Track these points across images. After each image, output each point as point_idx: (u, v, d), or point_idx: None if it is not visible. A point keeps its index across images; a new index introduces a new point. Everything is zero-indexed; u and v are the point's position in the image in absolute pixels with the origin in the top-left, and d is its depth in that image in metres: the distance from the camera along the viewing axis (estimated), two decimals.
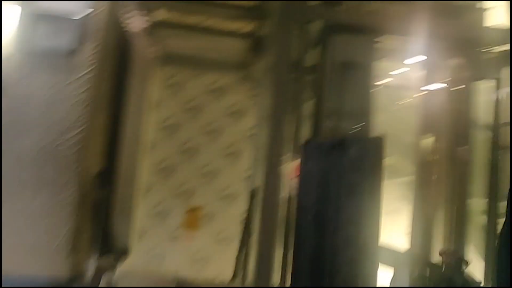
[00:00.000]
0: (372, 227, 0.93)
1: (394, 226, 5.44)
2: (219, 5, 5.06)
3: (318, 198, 1.11)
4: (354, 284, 0.95)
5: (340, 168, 1.03)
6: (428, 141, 4.09)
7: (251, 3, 4.74)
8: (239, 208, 5.52)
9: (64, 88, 2.91)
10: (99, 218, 3.21)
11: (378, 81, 4.46)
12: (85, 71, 2.93)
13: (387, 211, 5.51)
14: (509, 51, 0.92)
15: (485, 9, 3.55)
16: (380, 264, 0.88)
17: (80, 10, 2.93)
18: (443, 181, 3.74)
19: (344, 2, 3.72)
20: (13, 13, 2.76)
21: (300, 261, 1.14)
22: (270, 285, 1.52)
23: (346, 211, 1.01)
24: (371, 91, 3.51)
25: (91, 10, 2.96)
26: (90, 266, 3.08)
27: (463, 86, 3.65)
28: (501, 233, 1.06)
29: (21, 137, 2.87)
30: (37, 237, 2.83)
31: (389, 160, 5.35)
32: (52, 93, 2.90)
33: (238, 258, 3.74)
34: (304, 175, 1.19)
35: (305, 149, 1.20)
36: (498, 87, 3.64)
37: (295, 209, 1.18)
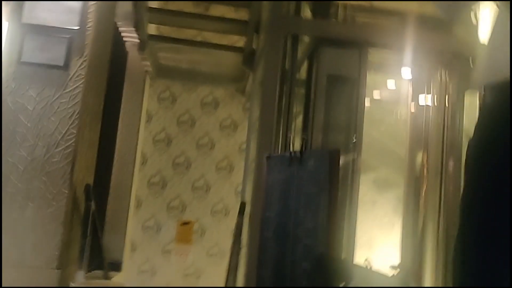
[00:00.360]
0: (331, 239, 0.94)
1: (388, 239, 5.46)
2: (211, 19, 5.11)
3: (279, 211, 1.12)
4: None
5: (298, 181, 1.05)
6: (419, 154, 4.12)
7: (243, 16, 4.79)
8: (232, 222, 5.52)
9: (54, 101, 2.92)
10: (89, 231, 3.20)
11: (369, 94, 4.50)
12: (76, 85, 2.94)
13: (380, 224, 5.54)
14: (509, 54, 0.94)
15: (474, 23, 3.59)
16: (348, 280, 0.88)
17: (71, 24, 2.95)
18: (433, 194, 3.76)
19: (333, 16, 3.77)
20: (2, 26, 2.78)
21: (263, 273, 1.15)
22: None
23: (303, 223, 1.02)
24: (361, 104, 3.54)
25: (81, 23, 2.97)
26: (80, 280, 3.06)
27: (452, 99, 3.69)
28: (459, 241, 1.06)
29: (11, 150, 2.87)
30: (25, 251, 2.82)
31: (381, 174, 5.39)
32: (42, 106, 2.91)
33: (228, 272, 3.73)
34: (267, 188, 1.21)
35: (267, 163, 1.22)
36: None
37: (259, 222, 1.20)
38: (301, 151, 1.09)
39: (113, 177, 4.91)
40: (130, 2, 4.15)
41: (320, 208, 1.04)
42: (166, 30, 5.82)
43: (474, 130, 1.08)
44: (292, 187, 1.13)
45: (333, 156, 1.06)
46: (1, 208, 2.81)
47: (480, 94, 1.12)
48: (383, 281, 0.91)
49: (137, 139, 5.34)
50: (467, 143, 1.11)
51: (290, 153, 1.13)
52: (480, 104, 1.11)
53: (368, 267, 0.95)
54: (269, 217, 1.19)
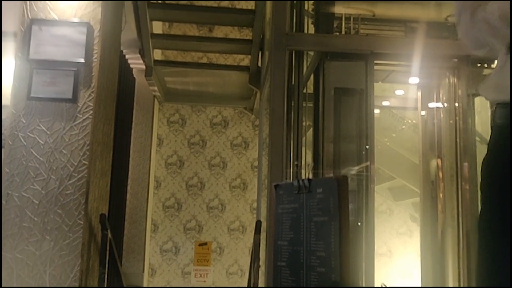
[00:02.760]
0: (344, 266, 0.93)
1: (407, 248, 5.40)
2: (215, 40, 5.15)
3: (290, 239, 1.11)
4: None
5: (308, 209, 1.04)
6: (433, 160, 4.08)
7: (247, 35, 4.82)
8: (249, 239, 5.51)
9: (65, 134, 2.95)
10: (108, 260, 3.20)
11: (378, 103, 4.49)
12: (85, 117, 2.97)
13: (399, 233, 5.49)
14: (509, 52, 0.94)
15: None
16: None
17: (77, 56, 2.99)
18: (450, 199, 3.72)
19: (337, 29, 3.78)
20: (8, 62, 2.82)
21: None
22: None
23: (315, 252, 1.01)
24: (371, 114, 3.53)
25: (87, 55, 3.01)
26: None
27: (462, 102, 3.66)
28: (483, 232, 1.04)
29: (25, 185, 2.90)
30: (44, 283, 2.83)
31: (396, 182, 5.35)
32: (53, 140, 2.94)
33: None
34: (276, 217, 1.20)
35: (276, 191, 1.21)
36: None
37: (271, 251, 1.20)
38: (309, 179, 1.09)
39: (128, 203, 4.94)
40: (135, 28, 4.20)
41: (332, 236, 1.03)
42: (172, 55, 5.88)
43: (487, 149, 1.07)
44: (302, 215, 1.12)
45: (342, 184, 1.05)
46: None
47: (492, 111, 1.11)
48: None
49: (150, 164, 5.37)
50: (481, 147, 1.10)
51: (298, 181, 1.13)
52: (491, 122, 1.10)
53: None
54: (281, 245, 1.19)
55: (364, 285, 2.84)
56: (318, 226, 1.06)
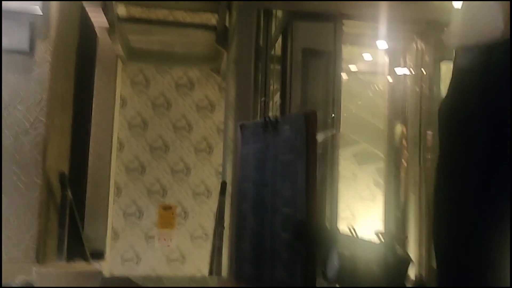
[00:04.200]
0: (310, 206, 0.90)
1: (370, 212, 5.48)
2: None
3: (255, 181, 1.08)
4: (292, 265, 0.93)
5: (274, 148, 1.00)
6: (397, 126, 4.11)
7: None
8: (214, 203, 5.48)
9: (20, 87, 2.81)
10: (68, 221, 3.13)
11: (345, 67, 4.46)
12: (42, 69, 2.83)
13: (362, 198, 5.56)
14: (509, 45, 0.93)
15: None
16: (332, 247, 0.85)
17: (33, 8, 2.83)
18: (413, 165, 3.76)
19: None
20: None
21: (243, 247, 1.11)
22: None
23: (281, 192, 0.98)
24: (338, 78, 3.50)
25: (45, 6, 2.85)
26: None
27: (429, 69, 3.67)
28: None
29: None
30: (1, 245, 2.74)
31: (361, 147, 5.39)
32: (7, 92, 2.80)
33: (212, 253, 3.70)
34: (241, 158, 1.16)
35: (241, 132, 1.16)
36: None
37: (234, 194, 1.16)
38: (276, 116, 1.04)
39: (90, 164, 4.82)
40: None
41: (298, 174, 0.99)
42: (136, 12, 5.67)
43: (447, 93, 1.06)
44: (268, 155, 1.08)
45: (310, 119, 1.01)
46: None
47: (454, 56, 1.10)
48: (369, 247, 0.88)
49: (113, 125, 5.24)
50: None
51: (265, 119, 1.08)
52: (453, 66, 1.09)
53: (354, 235, 0.92)
54: (245, 188, 1.14)
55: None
56: (284, 165, 1.02)
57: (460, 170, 0.98)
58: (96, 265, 4.23)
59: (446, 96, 1.07)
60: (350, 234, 0.92)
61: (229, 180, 4.02)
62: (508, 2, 0.90)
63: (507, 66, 0.89)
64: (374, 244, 0.84)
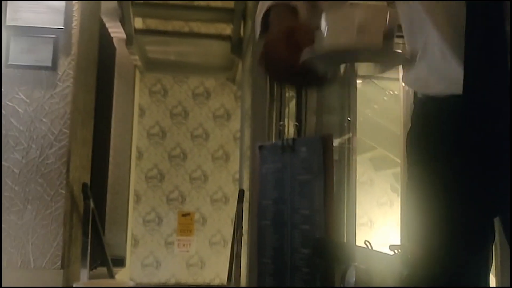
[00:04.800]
0: (329, 223, 0.95)
1: (387, 218, 5.49)
2: (197, 9, 5.07)
3: (274, 199, 1.13)
4: (312, 279, 0.98)
5: (292, 168, 1.06)
6: None
7: (229, 4, 4.76)
8: (232, 209, 5.55)
9: (45, 102, 2.91)
10: (90, 229, 3.21)
11: (359, 73, 4.49)
12: (65, 85, 2.93)
13: (379, 203, 5.58)
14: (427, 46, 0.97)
15: None
16: (351, 262, 0.90)
17: (56, 23, 2.93)
18: None
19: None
20: None
21: (264, 261, 1.16)
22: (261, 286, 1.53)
23: (299, 210, 1.03)
24: (353, 84, 3.54)
25: (66, 22, 2.95)
26: (84, 278, 3.08)
27: None
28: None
29: (5, 154, 2.87)
30: (28, 253, 2.83)
31: (378, 152, 5.41)
32: (33, 108, 2.90)
33: (231, 260, 3.75)
34: (261, 177, 1.21)
35: (260, 152, 1.22)
36: None
37: (255, 211, 1.21)
38: (293, 139, 1.09)
39: (110, 173, 4.92)
40: None
41: (316, 194, 1.05)
42: (153, 23, 5.78)
43: (410, 122, 1.12)
44: (286, 174, 1.13)
45: (326, 142, 1.06)
46: (1, 210, 2.81)
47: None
48: (385, 260, 0.92)
49: (132, 134, 5.34)
50: None
51: (283, 141, 1.13)
52: (414, 97, 1.15)
53: (369, 248, 0.96)
54: (265, 205, 1.20)
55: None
56: (302, 185, 1.08)
57: (420, 193, 1.04)
58: (117, 272, 4.31)
59: (410, 124, 1.14)
60: (366, 248, 0.97)
61: (245, 187, 4.08)
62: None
63: (460, 117, 0.94)
64: (389, 256, 0.89)
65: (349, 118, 3.51)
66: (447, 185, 0.95)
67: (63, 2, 2.93)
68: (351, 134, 3.52)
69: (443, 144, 0.98)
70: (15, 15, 2.90)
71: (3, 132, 2.87)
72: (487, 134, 0.91)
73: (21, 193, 2.85)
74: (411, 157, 1.08)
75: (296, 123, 2.87)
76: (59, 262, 2.86)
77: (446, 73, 0.97)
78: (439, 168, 0.97)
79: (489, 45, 0.88)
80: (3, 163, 2.86)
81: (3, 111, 2.88)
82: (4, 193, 2.84)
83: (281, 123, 3.38)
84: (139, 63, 5.32)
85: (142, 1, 4.80)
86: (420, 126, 1.07)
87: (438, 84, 1.00)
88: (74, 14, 2.97)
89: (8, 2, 2.88)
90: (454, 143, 0.96)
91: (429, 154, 1.00)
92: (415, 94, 1.12)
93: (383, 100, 5.20)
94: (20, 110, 2.88)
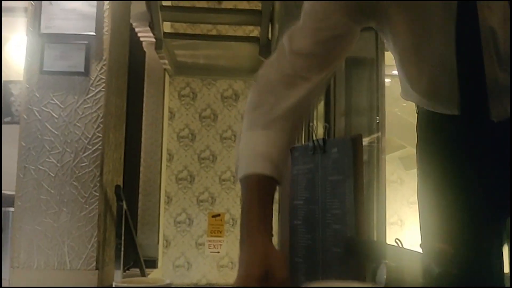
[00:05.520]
0: (359, 222, 0.97)
1: (417, 217, 5.43)
2: (225, 12, 5.11)
3: (306, 199, 1.15)
4: (344, 278, 1.00)
5: (323, 169, 1.08)
6: None
7: (256, 6, 4.79)
8: None
9: (79, 107, 2.99)
10: (123, 231, 3.27)
11: (389, 73, 4.46)
12: (97, 90, 3.00)
13: (409, 203, 5.51)
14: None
15: None
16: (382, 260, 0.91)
17: (87, 29, 3.00)
18: None
19: None
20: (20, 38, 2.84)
21: (296, 260, 1.18)
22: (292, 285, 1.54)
23: (331, 210, 1.05)
24: (381, 84, 3.52)
25: (98, 28, 3.02)
26: (118, 279, 3.15)
27: None
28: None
29: (41, 158, 2.95)
30: (64, 255, 2.91)
31: (407, 151, 5.35)
32: (67, 113, 2.98)
33: None
34: (292, 178, 1.24)
35: (292, 153, 1.24)
36: None
37: (287, 211, 1.23)
38: (323, 140, 1.11)
39: (141, 175, 5.00)
40: (144, 2, 4.19)
41: (347, 194, 1.06)
42: (181, 27, 5.86)
43: (416, 133, 1.13)
44: (317, 175, 1.15)
45: (356, 142, 1.08)
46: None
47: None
48: (416, 257, 0.93)
49: (162, 137, 5.41)
50: None
51: (313, 142, 1.15)
52: (416, 108, 1.16)
53: (400, 246, 0.97)
54: (297, 205, 1.22)
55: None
56: (334, 185, 1.09)
57: (429, 200, 1.05)
58: (149, 273, 4.38)
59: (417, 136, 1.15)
60: (396, 246, 0.98)
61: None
62: None
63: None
64: (419, 254, 0.90)
65: (377, 118, 3.49)
66: (463, 187, 0.96)
67: (94, 9, 3.00)
68: (380, 134, 3.50)
69: (450, 151, 0.99)
70: (48, 23, 2.99)
71: (39, 136, 2.96)
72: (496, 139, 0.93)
73: (56, 196, 2.93)
74: (420, 167, 1.09)
75: (326, 124, 2.88)
76: (94, 263, 2.92)
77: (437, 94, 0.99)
78: (453, 169, 0.98)
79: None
80: (39, 167, 2.94)
81: (38, 116, 2.97)
82: (40, 196, 2.93)
83: (311, 124, 3.39)
84: (168, 66, 5.39)
85: (170, 6, 4.87)
86: (425, 136, 1.08)
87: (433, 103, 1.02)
88: (105, 20, 3.04)
89: (43, 10, 2.97)
90: (460, 149, 0.97)
91: (440, 160, 1.01)
92: (416, 105, 1.13)
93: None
94: (54, 115, 2.97)
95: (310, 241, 1.14)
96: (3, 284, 3.19)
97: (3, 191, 4.92)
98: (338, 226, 1.06)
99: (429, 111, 1.06)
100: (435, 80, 0.98)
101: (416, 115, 1.16)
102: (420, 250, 0.90)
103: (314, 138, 1.14)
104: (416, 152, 1.11)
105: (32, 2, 3.04)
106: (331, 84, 3.52)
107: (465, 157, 0.96)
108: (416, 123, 1.11)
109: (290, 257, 1.23)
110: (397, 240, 0.97)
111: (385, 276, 0.84)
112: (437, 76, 0.97)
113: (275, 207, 3.29)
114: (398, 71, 1.11)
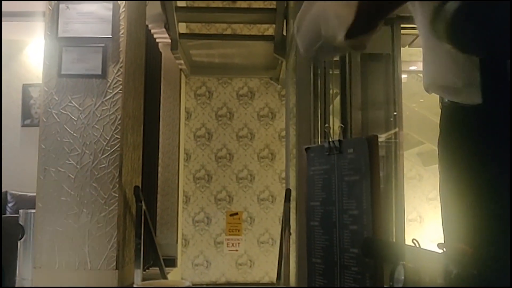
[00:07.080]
0: (377, 223, 0.96)
1: (437, 214, 5.39)
2: (239, 11, 5.12)
3: (323, 200, 1.15)
4: (362, 278, 0.99)
5: (339, 169, 1.07)
6: None
7: (271, 4, 4.78)
8: (279, 208, 5.58)
9: (97, 109, 3.03)
10: (143, 231, 3.31)
11: (405, 69, 4.42)
12: (115, 92, 3.03)
13: (428, 199, 5.46)
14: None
15: None
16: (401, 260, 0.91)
17: (104, 32, 3.04)
18: None
19: None
20: (38, 42, 2.89)
21: (314, 261, 1.18)
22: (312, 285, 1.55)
23: (348, 211, 1.05)
24: (398, 79, 3.49)
25: (114, 31, 3.05)
26: (138, 279, 3.18)
27: None
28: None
29: (61, 160, 3.00)
30: (84, 255, 2.95)
31: (425, 147, 5.31)
32: (85, 115, 3.02)
33: (280, 259, 3.78)
34: (308, 178, 1.23)
35: (307, 154, 1.24)
36: None
37: (304, 211, 1.23)
38: (339, 141, 1.11)
39: (160, 175, 5.04)
40: (159, 4, 4.22)
41: (363, 194, 1.06)
42: (196, 27, 5.89)
43: (439, 129, 1.12)
44: (334, 176, 1.15)
45: (372, 143, 1.07)
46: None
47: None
48: (433, 258, 0.93)
49: (179, 137, 5.45)
50: None
51: (329, 143, 1.15)
52: (440, 103, 1.15)
53: (417, 246, 0.97)
54: (313, 206, 1.22)
55: None
56: (350, 186, 1.09)
57: (452, 199, 1.04)
58: (169, 272, 4.42)
59: (439, 132, 1.13)
60: (414, 246, 0.97)
61: (292, 186, 4.09)
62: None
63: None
64: (437, 254, 0.90)
65: (395, 113, 3.47)
66: (486, 185, 0.95)
67: (110, 12, 3.03)
68: (397, 129, 3.47)
69: (474, 147, 0.98)
70: (66, 27, 3.03)
71: (58, 139, 3.01)
72: None
73: (76, 197, 2.97)
74: (443, 163, 1.08)
75: (341, 125, 2.87)
76: (114, 263, 2.96)
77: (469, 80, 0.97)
78: (475, 167, 0.97)
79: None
80: (59, 169, 2.99)
81: (57, 119, 3.01)
82: (61, 198, 2.97)
83: (326, 125, 3.38)
84: (184, 66, 5.42)
85: (185, 6, 4.89)
86: (448, 131, 1.07)
87: (460, 93, 1.00)
88: (121, 23, 3.07)
89: (60, 14, 3.01)
90: (484, 144, 0.96)
91: (463, 156, 1.00)
92: (440, 99, 1.12)
93: (428, 94, 5.09)
94: (73, 117, 3.01)
95: (328, 242, 1.14)
96: (25, 284, 3.25)
97: (24, 193, 5.00)
98: (355, 227, 1.06)
99: (453, 104, 1.05)
100: (462, 67, 0.97)
101: (432, 110, 1.15)
102: (437, 250, 0.90)
103: (330, 137, 1.14)
104: (438, 148, 1.10)
105: (49, 6, 3.08)
106: (347, 80, 3.51)
107: (491, 153, 0.95)
108: (439, 118, 1.10)
109: (308, 258, 1.23)
110: (414, 241, 0.96)
111: (402, 277, 0.84)
112: (463, 64, 0.96)
113: (293, 205, 3.28)
114: (424, 59, 1.10)
